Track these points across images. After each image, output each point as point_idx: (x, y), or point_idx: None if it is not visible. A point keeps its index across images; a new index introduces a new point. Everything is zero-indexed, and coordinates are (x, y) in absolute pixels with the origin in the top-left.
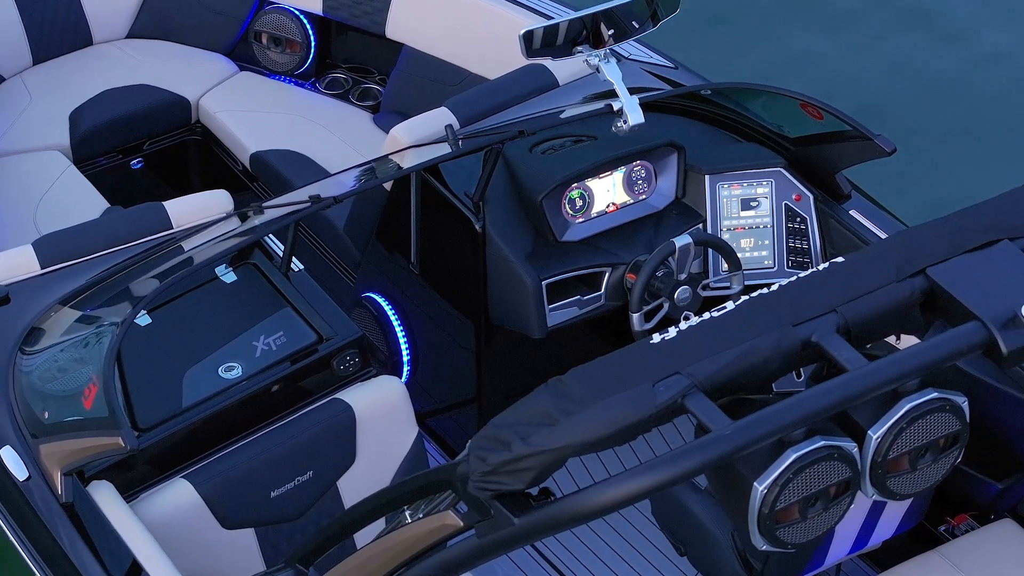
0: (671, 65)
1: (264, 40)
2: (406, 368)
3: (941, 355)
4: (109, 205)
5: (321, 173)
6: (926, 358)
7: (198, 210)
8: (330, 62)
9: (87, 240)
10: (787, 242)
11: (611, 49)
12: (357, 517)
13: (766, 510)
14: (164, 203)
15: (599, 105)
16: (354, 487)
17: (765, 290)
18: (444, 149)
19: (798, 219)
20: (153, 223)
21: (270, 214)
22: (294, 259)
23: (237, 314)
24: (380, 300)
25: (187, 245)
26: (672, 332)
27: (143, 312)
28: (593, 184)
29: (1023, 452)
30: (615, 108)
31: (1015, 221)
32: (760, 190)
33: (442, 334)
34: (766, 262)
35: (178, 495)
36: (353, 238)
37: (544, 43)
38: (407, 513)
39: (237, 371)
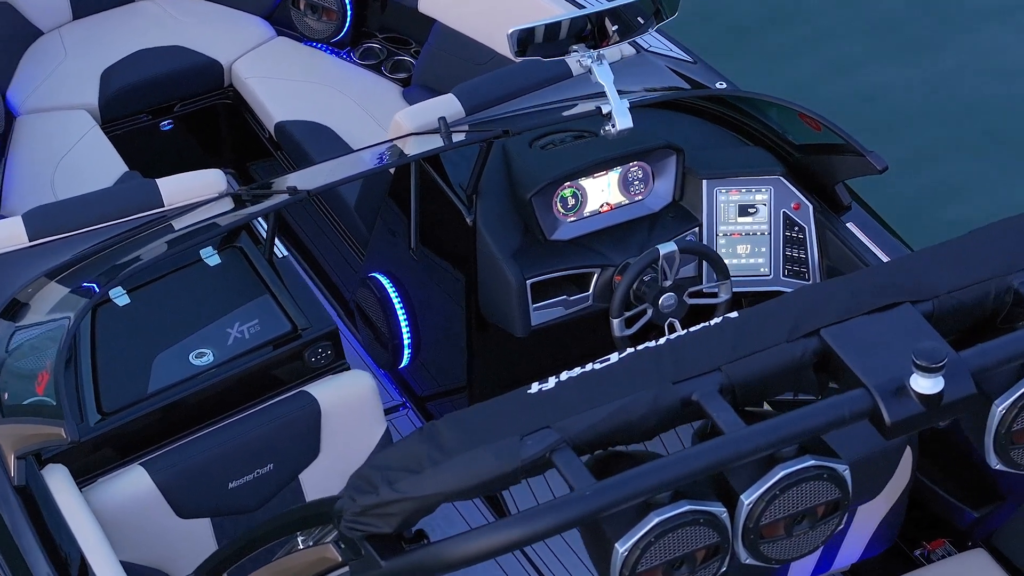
0: (690, 60)
1: (302, 6)
2: (407, 351)
3: (821, 422)
4: (128, 170)
5: (342, 146)
6: (805, 425)
7: (191, 189)
8: (366, 30)
9: (77, 214)
10: (784, 251)
11: (632, 41)
12: (245, 544)
13: (627, 572)
14: (157, 180)
15: (589, 107)
16: (317, 481)
17: (652, 343)
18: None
19: (796, 228)
20: (144, 200)
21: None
22: (280, 245)
23: (216, 299)
24: (384, 281)
25: (176, 224)
26: (551, 383)
27: (123, 292)
28: (587, 183)
29: (999, 482)
30: (604, 111)
31: (920, 283)
32: (759, 197)
33: (440, 320)
34: (762, 270)
35: (133, 482)
36: (362, 216)
37: (535, 43)
38: (300, 540)
39: (208, 358)
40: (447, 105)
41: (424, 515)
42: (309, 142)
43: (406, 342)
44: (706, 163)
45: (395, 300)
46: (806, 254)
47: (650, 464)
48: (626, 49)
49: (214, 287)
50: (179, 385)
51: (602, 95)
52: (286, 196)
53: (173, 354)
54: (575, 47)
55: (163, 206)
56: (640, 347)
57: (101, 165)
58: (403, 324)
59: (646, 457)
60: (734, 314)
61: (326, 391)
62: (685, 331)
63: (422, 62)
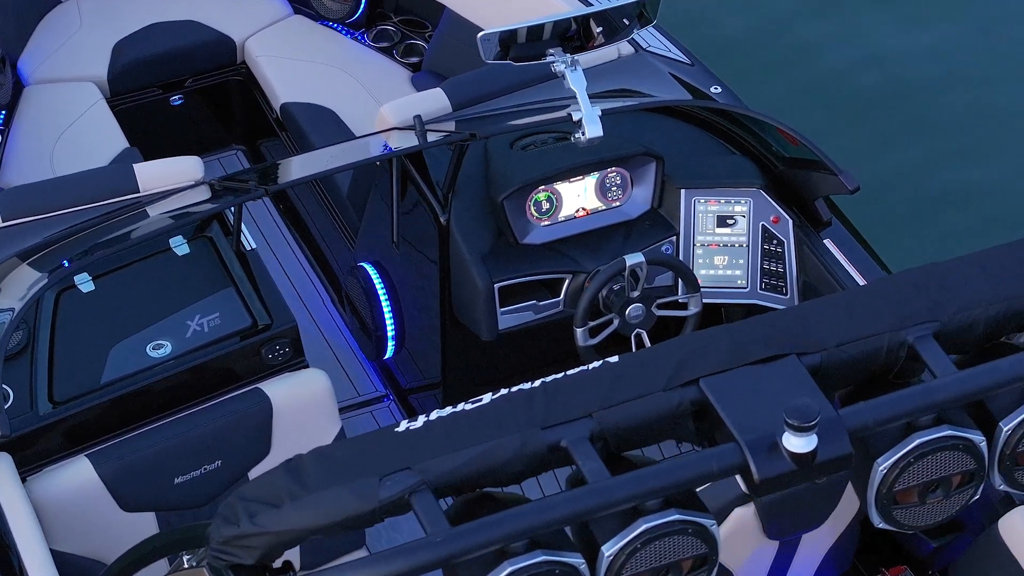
0: (688, 62)
1: None
2: (391, 343)
3: (687, 476)
4: (128, 146)
5: (344, 132)
6: (670, 478)
7: (167, 175)
8: (382, 12)
9: (51, 197)
10: (762, 264)
11: (631, 40)
12: (126, 565)
13: None
14: (134, 165)
15: (560, 113)
16: None
17: (526, 385)
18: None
19: (775, 241)
20: (120, 185)
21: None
22: (249, 236)
23: (180, 289)
24: (372, 271)
25: (150, 211)
26: (419, 421)
27: (88, 279)
28: (562, 187)
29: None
30: (575, 118)
31: (808, 335)
32: (738, 208)
33: (422, 313)
34: (739, 282)
35: (76, 473)
36: (354, 204)
37: (507, 47)
38: (185, 559)
39: (165, 349)
40: (434, 100)
41: (287, 548)
42: (310, 125)
43: (390, 333)
44: (686, 171)
45: (380, 291)
46: (784, 268)
47: (506, 512)
48: (624, 48)
49: (180, 277)
50: (133, 377)
51: (597, 95)
52: (248, 194)
53: (131, 344)
54: (551, 51)
55: (138, 191)
56: (514, 389)
57: (102, 141)
58: (387, 315)
59: (514, 501)
60: (615, 358)
61: (280, 389)
62: (562, 374)
63: (432, 48)
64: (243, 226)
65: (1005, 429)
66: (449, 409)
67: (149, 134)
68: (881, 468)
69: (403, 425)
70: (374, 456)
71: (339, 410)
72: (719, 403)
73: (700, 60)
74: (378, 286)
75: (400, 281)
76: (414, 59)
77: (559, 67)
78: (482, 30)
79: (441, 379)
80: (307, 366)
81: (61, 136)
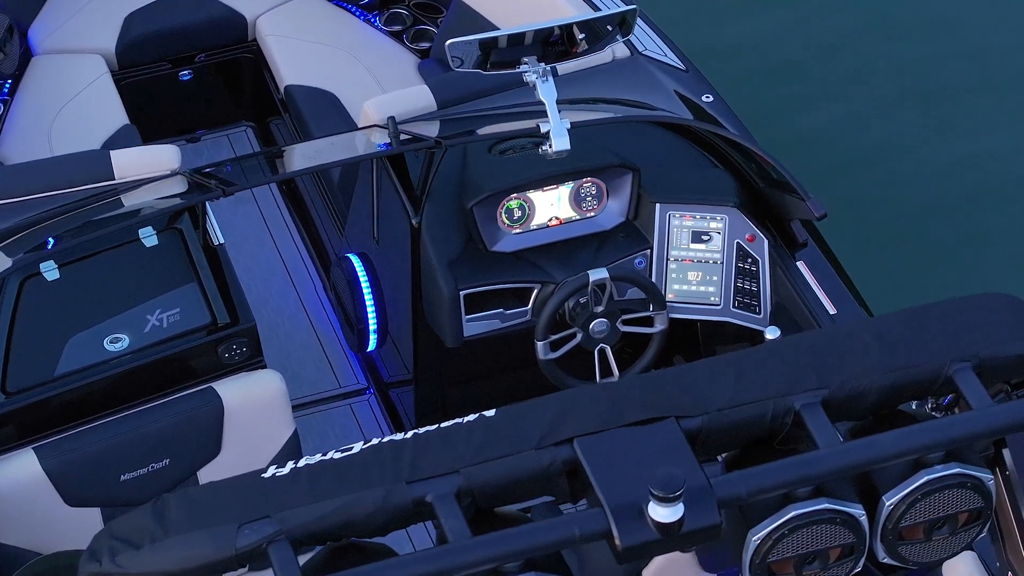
0: (683, 68)
1: None
2: (372, 336)
3: (550, 539)
4: (127, 123)
5: (344, 117)
6: (533, 541)
7: (143, 164)
8: None
9: (25, 180)
10: (736, 282)
11: (627, 42)
12: None
13: None
14: (111, 152)
15: (531, 123)
16: (216, 479)
17: (398, 436)
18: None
19: (749, 260)
20: (95, 171)
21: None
22: (218, 231)
23: (144, 282)
24: (357, 263)
25: (123, 200)
26: (287, 468)
27: (54, 266)
28: (535, 196)
29: None
30: (543, 130)
31: (691, 398)
32: (713, 224)
33: (401, 310)
34: (712, 299)
35: (21, 466)
36: (344, 193)
37: (474, 56)
38: None
39: (122, 343)
40: (419, 97)
41: None
42: (310, 110)
43: (371, 327)
44: (662, 185)
45: (364, 283)
46: (758, 287)
47: (362, 569)
48: (620, 50)
49: (145, 269)
50: (88, 370)
51: (591, 100)
52: (209, 193)
53: (89, 336)
54: (526, 60)
55: (113, 179)
56: (386, 439)
57: (102, 116)
58: (369, 308)
59: (381, 553)
60: (491, 412)
61: (232, 389)
62: (436, 426)
63: (441, 36)
64: (213, 219)
65: (888, 504)
66: (318, 457)
67: (155, 108)
68: (754, 539)
69: (270, 471)
70: (237, 502)
71: (319, 401)
72: (590, 465)
73: (695, 65)
74: (362, 278)
75: (384, 275)
76: (425, 44)
77: (530, 77)
78: (487, 20)
79: (413, 377)
80: (264, 366)
81: (62, 109)
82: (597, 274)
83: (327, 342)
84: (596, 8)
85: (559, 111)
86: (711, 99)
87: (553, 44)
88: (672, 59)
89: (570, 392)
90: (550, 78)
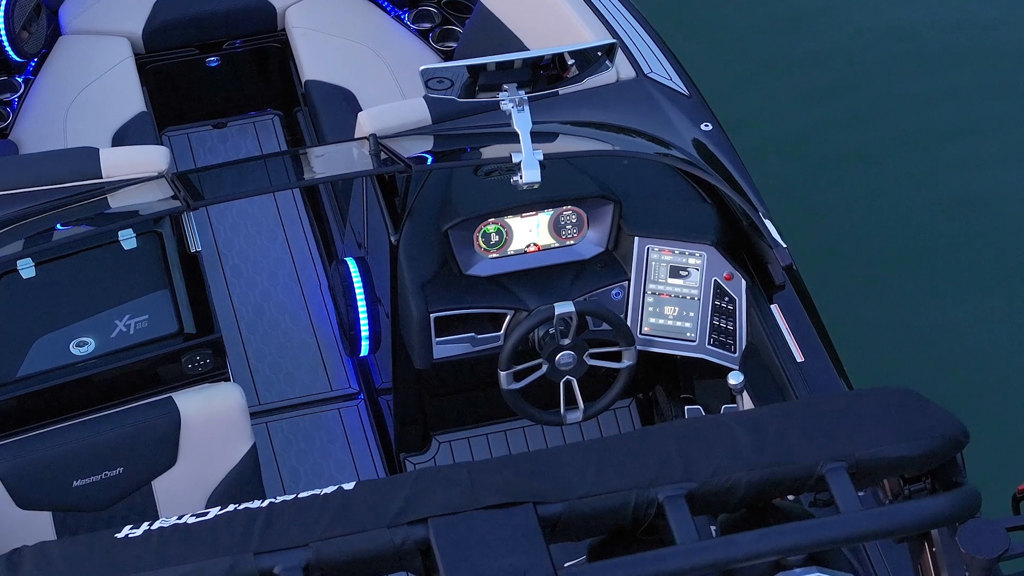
0: (685, 93)
1: None
2: (364, 342)
3: None
4: (144, 110)
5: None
6: None
7: (132, 164)
8: None
9: (12, 174)
10: (712, 319)
11: (634, 62)
12: None
13: None
14: (100, 150)
15: (504, 154)
16: (170, 489)
17: (253, 504)
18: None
19: (727, 299)
20: (83, 168)
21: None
22: (196, 238)
23: (118, 286)
24: (352, 267)
25: (106, 199)
26: (141, 530)
27: (31, 264)
28: (513, 221)
29: None
30: (515, 160)
31: (552, 484)
32: (692, 260)
33: (389, 319)
34: (688, 334)
35: None
36: (345, 198)
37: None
38: None
39: (88, 347)
40: (414, 111)
41: None
42: (326, 108)
43: (363, 333)
44: (642, 218)
45: (358, 288)
46: (734, 326)
47: None
48: (625, 72)
49: (120, 273)
50: (50, 373)
51: (593, 125)
52: (177, 205)
53: (55, 338)
54: (506, 87)
55: (100, 177)
56: (241, 507)
57: (119, 102)
58: (362, 314)
59: None
60: (351, 484)
61: (191, 401)
62: (293, 496)
63: (463, 38)
64: (193, 225)
65: None
66: (173, 520)
67: (181, 93)
68: None
69: (125, 531)
70: (87, 564)
71: (308, 403)
72: (440, 548)
73: (700, 91)
74: (356, 283)
75: (377, 282)
76: (451, 44)
77: (506, 106)
78: (508, 29)
79: (392, 388)
80: (228, 379)
81: (81, 93)
82: (563, 307)
83: (325, 343)
84: (607, 24)
85: (533, 141)
86: (710, 127)
87: (535, 71)
88: (677, 83)
89: (431, 470)
90: (526, 107)
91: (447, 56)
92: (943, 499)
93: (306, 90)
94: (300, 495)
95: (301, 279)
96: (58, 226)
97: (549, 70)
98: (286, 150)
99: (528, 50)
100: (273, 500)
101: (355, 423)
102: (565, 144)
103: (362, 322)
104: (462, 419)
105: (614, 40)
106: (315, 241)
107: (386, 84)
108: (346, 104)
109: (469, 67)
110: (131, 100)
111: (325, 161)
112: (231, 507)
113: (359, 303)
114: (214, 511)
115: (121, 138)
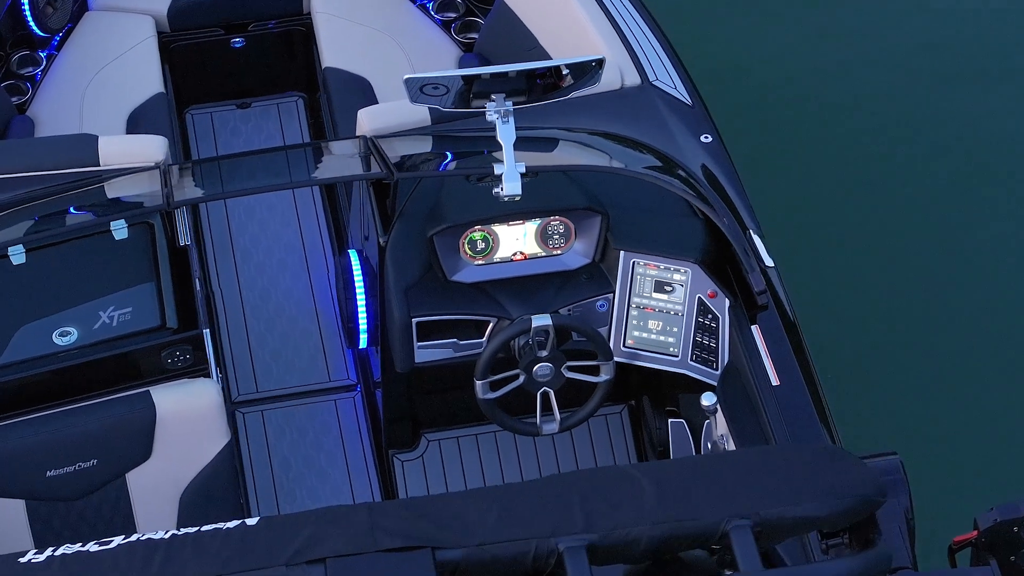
0: (688, 102)
1: None
2: (363, 335)
3: None
4: (161, 91)
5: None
6: None
7: (130, 153)
8: None
9: (10, 158)
10: (695, 336)
11: (640, 69)
12: None
13: None
14: (100, 137)
15: (486, 166)
16: (145, 483)
17: (156, 534)
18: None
19: (710, 316)
20: (81, 156)
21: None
22: (188, 231)
23: (105, 276)
24: (354, 259)
25: (104, 187)
26: (44, 556)
27: (21, 250)
28: (500, 229)
29: None
30: (496, 172)
31: (451, 529)
32: (677, 276)
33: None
34: (671, 349)
35: None
36: (350, 190)
37: (432, 92)
38: None
39: (71, 338)
40: (414, 111)
41: None
42: (342, 97)
43: (362, 326)
44: (629, 232)
45: (358, 281)
46: (716, 344)
47: None
48: (631, 79)
49: (109, 263)
50: (31, 362)
51: (596, 134)
52: (158, 204)
53: (39, 327)
54: (494, 97)
55: (98, 165)
56: (144, 537)
57: (137, 82)
58: (360, 307)
59: None
60: (254, 520)
61: (167, 396)
62: (196, 529)
63: (483, 32)
64: (186, 219)
65: None
66: (78, 547)
67: (205, 73)
68: None
69: (29, 555)
70: None
71: (305, 393)
72: None
73: (704, 102)
74: (356, 276)
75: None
76: (472, 35)
77: (491, 117)
78: (523, 24)
79: (382, 382)
80: (207, 375)
81: (100, 71)
82: (540, 320)
83: (327, 333)
84: (619, 30)
85: (529, 148)
86: (710, 139)
87: (526, 81)
88: (680, 92)
89: (333, 509)
90: (511, 119)
91: (467, 48)
92: (845, 563)
93: (324, 77)
94: (203, 528)
95: (310, 268)
96: (36, 217)
97: (545, 79)
98: (283, 146)
99: (542, 48)
100: (176, 532)
101: (350, 416)
102: (553, 156)
103: (360, 315)
104: (452, 418)
105: (603, 56)
106: (328, 230)
107: (403, 74)
108: (361, 93)
109: (461, 76)
110: (150, 81)
111: (319, 160)
112: (135, 537)
113: (358, 296)
114: (118, 539)
115: (136, 119)
